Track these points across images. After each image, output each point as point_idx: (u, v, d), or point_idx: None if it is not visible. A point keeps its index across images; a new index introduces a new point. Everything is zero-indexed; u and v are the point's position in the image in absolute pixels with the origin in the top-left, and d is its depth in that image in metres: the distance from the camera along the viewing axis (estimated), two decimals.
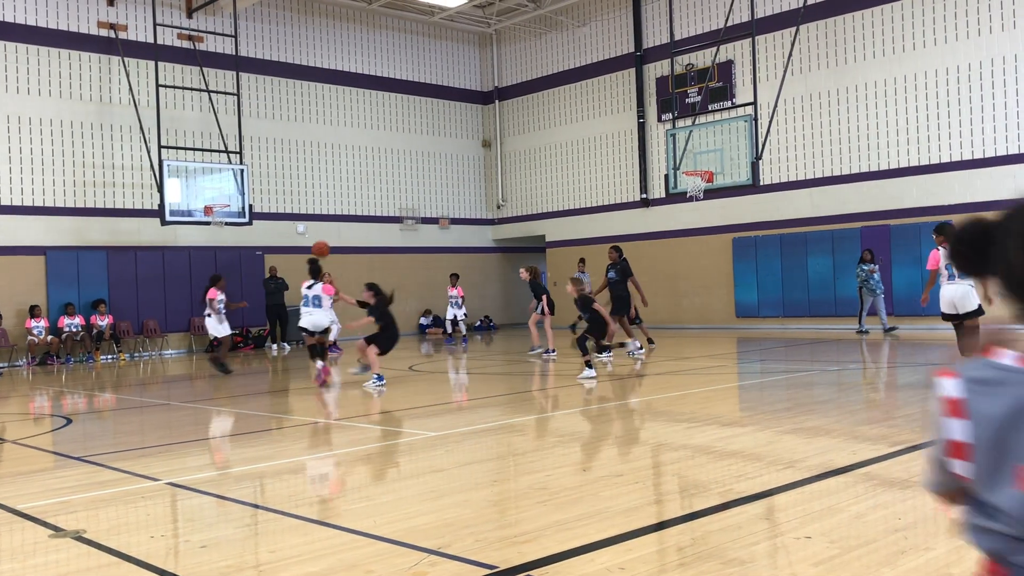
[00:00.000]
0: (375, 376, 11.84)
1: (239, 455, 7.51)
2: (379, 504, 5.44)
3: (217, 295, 14.94)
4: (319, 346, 12.77)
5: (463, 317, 21.20)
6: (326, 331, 12.80)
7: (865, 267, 18.38)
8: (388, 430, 8.71)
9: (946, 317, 10.18)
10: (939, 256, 10.05)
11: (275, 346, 21.82)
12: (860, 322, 18.57)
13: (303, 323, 12.63)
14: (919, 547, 4.09)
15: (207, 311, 15.13)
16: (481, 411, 9.81)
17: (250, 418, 9.99)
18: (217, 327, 15.11)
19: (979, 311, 9.93)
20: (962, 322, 9.99)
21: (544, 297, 15.66)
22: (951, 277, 9.91)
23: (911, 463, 5.92)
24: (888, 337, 17.54)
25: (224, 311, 15.05)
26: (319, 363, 12.42)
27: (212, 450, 8.16)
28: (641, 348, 15.16)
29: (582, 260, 20.60)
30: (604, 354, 13.96)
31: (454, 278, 21.63)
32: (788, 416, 8.29)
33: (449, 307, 21.43)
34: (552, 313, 15.71)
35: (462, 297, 21.25)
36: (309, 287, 12.58)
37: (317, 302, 12.48)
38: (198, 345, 21.91)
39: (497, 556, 4.19)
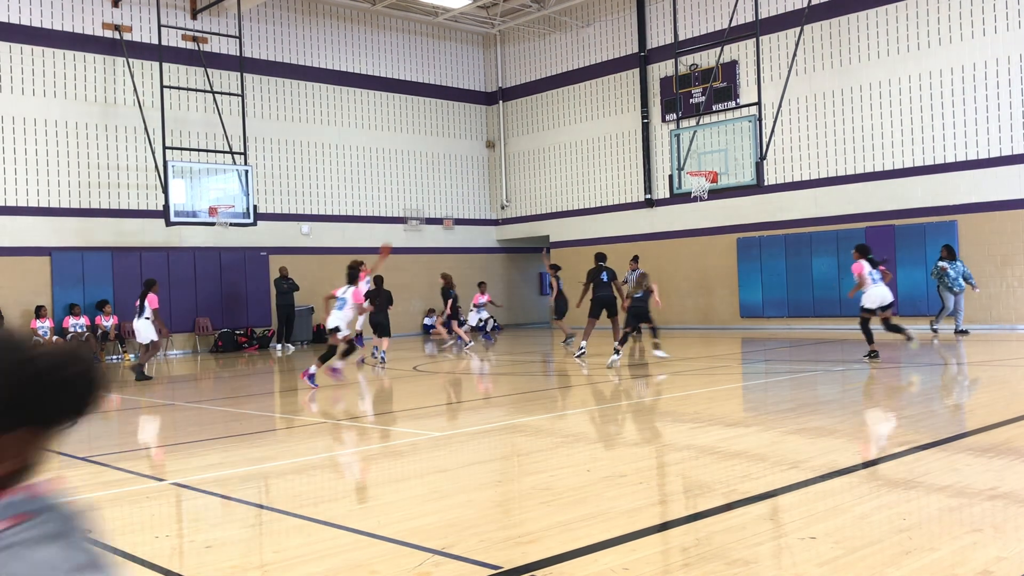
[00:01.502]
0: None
1: (244, 455, 7.53)
2: (383, 504, 5.45)
3: (156, 303, 14.59)
4: (333, 347, 12.85)
5: (486, 318, 21.62)
6: (336, 331, 12.76)
7: (939, 264, 17.41)
8: (392, 430, 8.72)
9: (870, 311, 13.02)
10: (863, 265, 12.86)
11: (279, 346, 21.84)
12: (936, 320, 17.58)
13: (329, 323, 12.91)
14: (924, 547, 4.09)
15: (146, 315, 14.49)
16: (485, 411, 9.81)
17: (255, 418, 10.00)
18: (151, 332, 14.59)
19: (892, 304, 13.11)
20: (876, 314, 12.99)
21: (451, 302, 17.56)
22: (875, 281, 12.89)
23: (915, 463, 5.91)
24: (959, 338, 16.65)
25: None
26: (314, 367, 12.35)
27: (217, 450, 8.17)
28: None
29: (635, 258, 20.30)
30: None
31: (483, 286, 21.88)
32: (792, 416, 8.28)
33: (474, 311, 21.59)
34: (455, 317, 18.15)
35: (490, 302, 21.62)
36: (344, 290, 12.77)
37: (342, 305, 12.65)
38: (203, 346, 21.96)
39: (501, 556, 4.19)
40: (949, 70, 19.05)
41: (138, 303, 14.70)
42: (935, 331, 17.48)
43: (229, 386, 13.97)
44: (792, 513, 4.86)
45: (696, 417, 8.78)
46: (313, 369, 12.22)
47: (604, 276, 15.60)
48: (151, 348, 14.94)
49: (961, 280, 17.26)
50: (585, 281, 16.14)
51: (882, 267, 13.18)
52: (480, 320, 21.92)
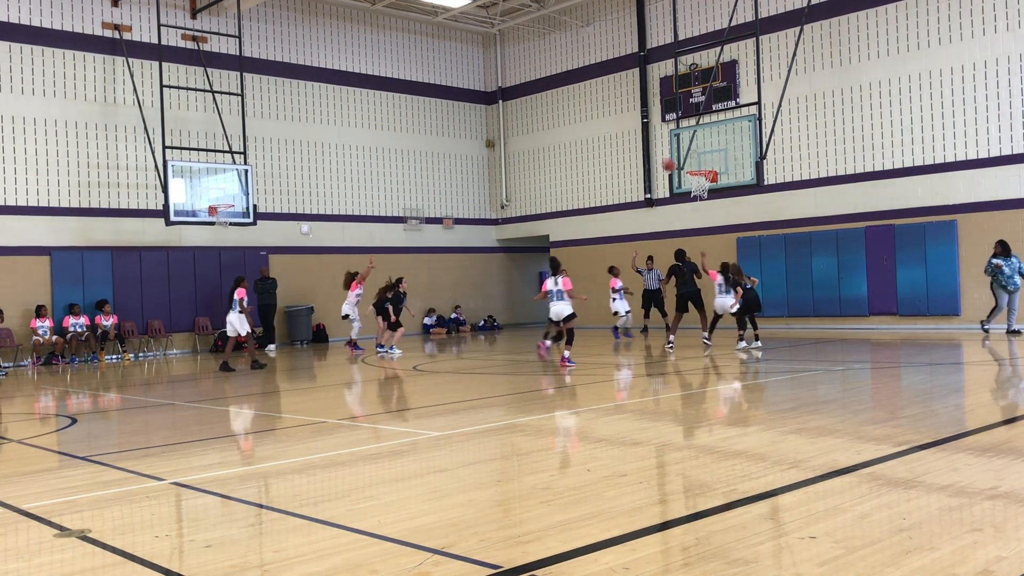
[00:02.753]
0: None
1: (243, 455, 7.53)
2: (383, 504, 5.45)
3: (244, 294, 15.75)
4: (559, 333, 14.31)
5: (626, 313, 19.34)
6: (569, 318, 13.89)
7: (993, 261, 16.52)
8: (392, 430, 8.72)
9: (717, 315, 16.24)
10: (717, 276, 15.97)
11: (273, 347, 21.51)
12: (987, 319, 16.86)
13: (551, 313, 14.16)
14: (924, 547, 4.09)
15: (237, 309, 15.69)
16: (485, 411, 9.81)
17: (254, 418, 10.00)
18: (241, 325, 15.75)
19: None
20: (721, 316, 16.23)
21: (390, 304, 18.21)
22: (721, 292, 15.90)
23: (915, 463, 5.91)
24: (1011, 338, 15.99)
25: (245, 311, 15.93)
26: (547, 340, 14.40)
27: (216, 450, 8.17)
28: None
29: (650, 257, 20.70)
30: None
31: (615, 270, 19.64)
32: (792, 416, 8.28)
33: (614, 301, 19.26)
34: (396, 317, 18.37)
35: (625, 289, 19.30)
36: (554, 282, 13.95)
37: (560, 295, 13.86)
38: (202, 345, 21.95)
39: (501, 556, 4.19)
40: (949, 70, 19.05)
41: (230, 298, 15.91)
42: (986, 331, 16.97)
43: (229, 386, 13.97)
44: (792, 513, 4.86)
45: (696, 416, 8.79)
46: (567, 352, 13.73)
47: (686, 271, 16.45)
48: (234, 341, 15.96)
49: (1016, 278, 16.44)
50: (665, 277, 17.34)
51: (738, 286, 15.81)
52: (619, 312, 19.30)
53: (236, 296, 15.67)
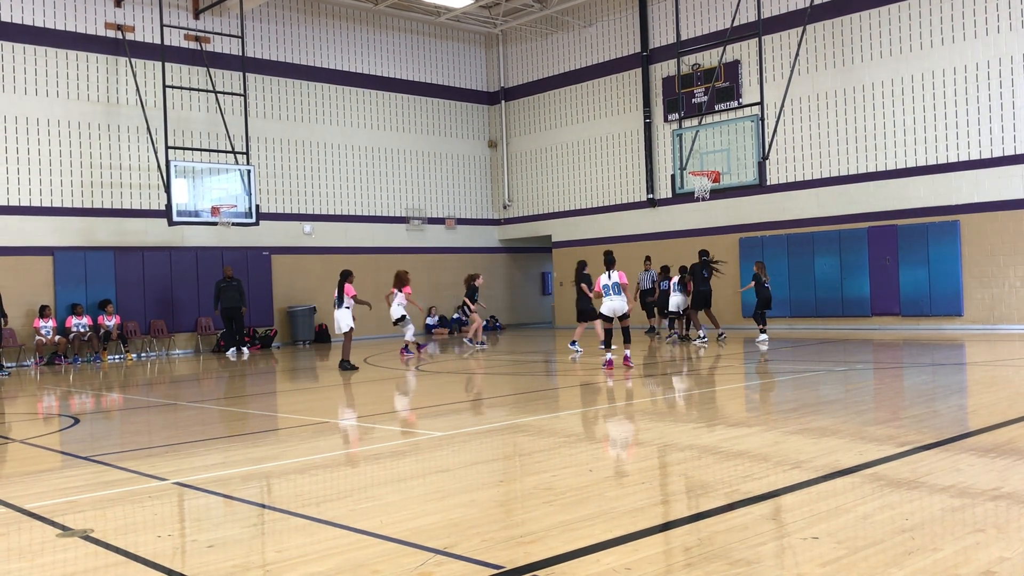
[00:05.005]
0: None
1: (246, 455, 7.53)
2: (385, 504, 5.45)
3: (352, 291, 15.08)
4: (611, 332, 13.79)
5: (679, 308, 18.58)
6: (625, 316, 13.50)
7: None
8: (394, 430, 8.72)
9: (671, 313, 18.65)
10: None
11: (233, 350, 20.66)
12: None
13: (605, 309, 13.54)
14: (926, 548, 4.08)
15: (345, 304, 14.98)
16: (487, 411, 9.81)
17: (256, 418, 10.01)
18: (349, 321, 15.05)
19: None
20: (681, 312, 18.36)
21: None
22: (674, 290, 18.18)
23: (918, 464, 5.91)
24: None
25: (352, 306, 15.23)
26: (610, 348, 13.67)
27: (219, 450, 8.17)
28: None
29: (648, 258, 21.28)
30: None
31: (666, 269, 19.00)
32: (795, 416, 8.27)
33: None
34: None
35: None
36: (609, 276, 13.52)
37: (617, 290, 13.42)
38: (205, 345, 21.96)
39: (503, 556, 4.19)
40: (951, 70, 19.03)
41: (336, 294, 15.15)
42: None
43: (231, 386, 13.98)
44: (794, 513, 4.85)
45: (698, 417, 8.78)
46: (627, 351, 13.45)
47: (705, 272, 17.90)
48: (347, 337, 15.20)
49: None
50: (690, 277, 18.25)
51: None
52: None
53: (345, 293, 14.83)
